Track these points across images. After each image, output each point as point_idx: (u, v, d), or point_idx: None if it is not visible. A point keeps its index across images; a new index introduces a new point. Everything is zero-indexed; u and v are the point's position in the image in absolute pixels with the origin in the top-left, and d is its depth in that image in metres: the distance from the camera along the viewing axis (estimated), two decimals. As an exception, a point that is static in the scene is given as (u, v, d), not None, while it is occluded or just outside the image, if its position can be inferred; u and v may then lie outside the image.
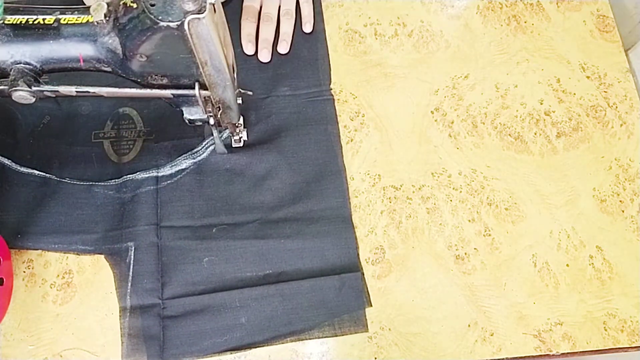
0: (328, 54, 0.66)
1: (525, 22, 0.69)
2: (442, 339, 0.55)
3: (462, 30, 0.68)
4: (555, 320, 0.56)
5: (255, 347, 0.54)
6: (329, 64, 0.65)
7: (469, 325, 0.56)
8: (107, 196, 0.58)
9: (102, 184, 0.59)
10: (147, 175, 0.59)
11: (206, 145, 0.60)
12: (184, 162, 0.59)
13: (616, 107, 0.65)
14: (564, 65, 0.67)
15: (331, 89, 0.64)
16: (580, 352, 0.56)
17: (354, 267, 0.57)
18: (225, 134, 0.60)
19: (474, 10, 0.69)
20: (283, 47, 0.65)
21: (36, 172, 0.58)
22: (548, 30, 0.68)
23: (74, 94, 0.45)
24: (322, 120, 0.62)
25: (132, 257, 0.56)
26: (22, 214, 0.57)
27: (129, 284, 0.55)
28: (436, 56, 0.67)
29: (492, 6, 0.69)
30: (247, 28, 0.65)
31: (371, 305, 0.56)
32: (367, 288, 0.56)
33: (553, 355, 0.55)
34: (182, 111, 0.49)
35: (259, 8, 0.66)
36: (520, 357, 0.55)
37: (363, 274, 0.57)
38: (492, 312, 0.56)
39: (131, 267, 0.55)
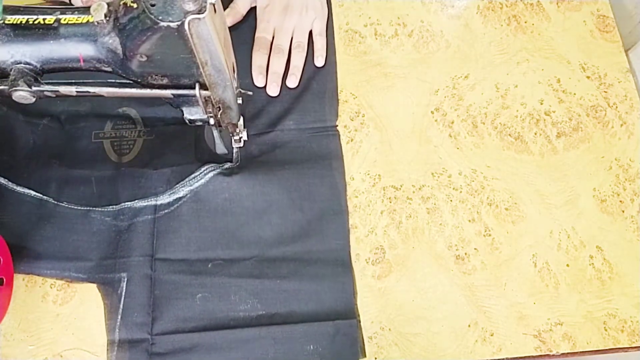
0: (337, 89, 0.64)
1: (525, 22, 0.69)
2: (442, 339, 0.55)
3: (462, 30, 0.68)
4: (556, 320, 0.56)
5: None
6: (337, 100, 0.64)
7: (469, 325, 0.56)
8: (103, 222, 0.57)
9: (100, 209, 0.57)
10: (145, 204, 0.57)
11: (205, 171, 0.58)
12: (182, 190, 0.58)
13: (616, 107, 0.65)
14: (564, 65, 0.67)
15: (336, 126, 0.63)
16: (580, 352, 0.56)
17: (350, 314, 0.55)
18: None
19: (474, 10, 0.69)
20: (292, 82, 0.63)
21: (32, 192, 0.57)
22: (548, 30, 0.68)
23: (74, 94, 0.45)
24: (327, 156, 0.61)
25: (124, 288, 0.54)
26: (16, 237, 0.55)
27: (119, 317, 0.53)
28: (436, 56, 0.67)
29: (492, 6, 0.69)
30: (259, 60, 0.64)
31: (365, 356, 0.54)
32: (362, 337, 0.55)
33: (553, 355, 0.55)
34: (182, 111, 0.49)
35: (271, 39, 0.65)
36: (520, 357, 0.55)
37: (359, 321, 0.55)
38: (492, 312, 0.56)
39: (122, 299, 0.54)
